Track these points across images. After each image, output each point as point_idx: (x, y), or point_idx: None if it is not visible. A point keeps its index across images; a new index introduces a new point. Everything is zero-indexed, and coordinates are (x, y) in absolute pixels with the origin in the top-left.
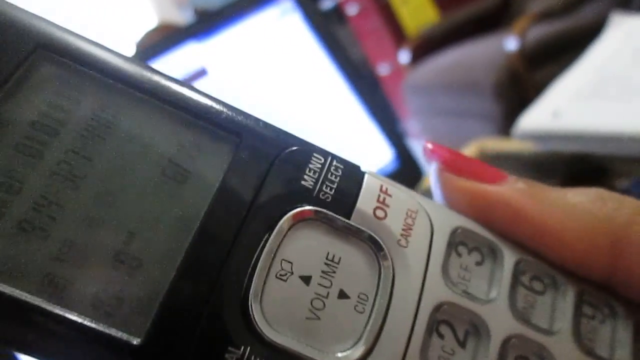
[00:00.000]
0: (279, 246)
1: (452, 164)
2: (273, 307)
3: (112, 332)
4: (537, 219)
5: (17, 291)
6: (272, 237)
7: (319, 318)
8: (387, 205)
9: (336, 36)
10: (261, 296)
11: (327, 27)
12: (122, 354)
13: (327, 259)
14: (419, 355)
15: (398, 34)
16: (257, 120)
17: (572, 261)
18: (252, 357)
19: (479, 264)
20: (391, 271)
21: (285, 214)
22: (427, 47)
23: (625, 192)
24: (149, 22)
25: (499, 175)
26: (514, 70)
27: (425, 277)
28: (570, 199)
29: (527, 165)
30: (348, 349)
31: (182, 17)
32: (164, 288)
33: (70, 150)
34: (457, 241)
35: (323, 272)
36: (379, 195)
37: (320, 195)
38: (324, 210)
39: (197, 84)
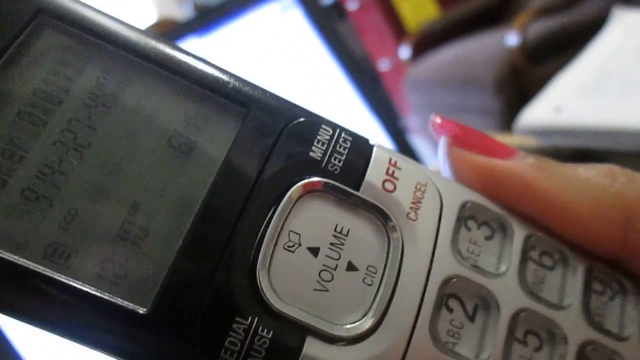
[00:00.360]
0: (286, 217)
1: (461, 139)
2: (281, 278)
3: (118, 301)
4: (547, 193)
5: (21, 259)
6: (279, 208)
7: (327, 290)
8: (397, 178)
9: (337, 31)
10: (269, 267)
11: (328, 22)
12: (128, 323)
13: (335, 231)
14: (428, 329)
15: (398, 30)
16: (265, 91)
17: (583, 236)
18: (260, 328)
19: (488, 238)
20: (400, 244)
21: (293, 185)
22: (428, 42)
23: None
24: (149, 17)
25: (509, 150)
26: (515, 65)
27: (435, 250)
28: (581, 174)
29: None
30: (357, 321)
31: (182, 12)
32: (171, 258)
33: (74, 119)
34: (466, 215)
35: (331, 244)
36: (388, 168)
37: (329, 167)
38: (333, 182)
39: None
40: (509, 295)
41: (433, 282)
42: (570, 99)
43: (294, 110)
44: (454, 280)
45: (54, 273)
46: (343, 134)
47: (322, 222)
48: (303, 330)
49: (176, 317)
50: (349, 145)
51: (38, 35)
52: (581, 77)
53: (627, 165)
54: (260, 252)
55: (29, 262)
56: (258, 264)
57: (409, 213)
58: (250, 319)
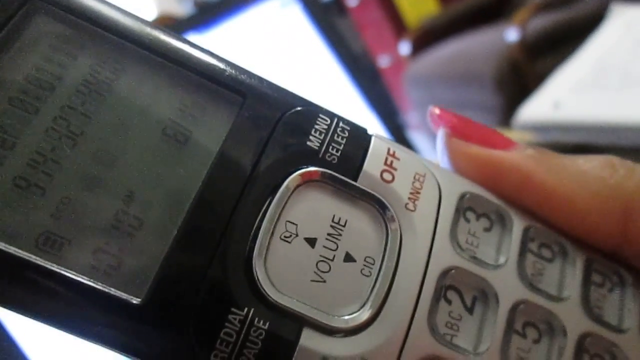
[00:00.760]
0: (283, 207)
1: (460, 130)
2: (277, 269)
3: (112, 291)
4: (546, 185)
5: (12, 248)
6: (276, 198)
7: (324, 281)
8: (395, 169)
9: (336, 27)
10: (265, 257)
11: (328, 18)
12: (122, 314)
13: (332, 221)
14: (427, 320)
15: (398, 26)
16: (262, 79)
17: (582, 228)
18: (256, 320)
19: (487, 230)
20: (398, 235)
21: (290, 174)
22: (428, 38)
23: None
24: (149, 14)
25: (508, 141)
26: (515, 61)
27: (433, 241)
28: (580, 166)
29: None
30: (354, 313)
31: (182, 8)
32: (165, 248)
33: (67, 107)
34: (465, 207)
35: (329, 234)
36: (387, 158)
37: (326, 157)
38: (330, 172)
39: None
40: (508, 287)
41: (431, 273)
42: (569, 95)
43: (292, 99)
44: (453, 271)
45: (47, 263)
46: (341, 124)
47: (320, 213)
48: (300, 322)
49: (171, 307)
50: (347, 134)
51: (30, 21)
52: (580, 72)
53: (626, 160)
54: (257, 243)
55: (21, 252)
56: (254, 254)
57: (407, 204)
58: (246, 310)
